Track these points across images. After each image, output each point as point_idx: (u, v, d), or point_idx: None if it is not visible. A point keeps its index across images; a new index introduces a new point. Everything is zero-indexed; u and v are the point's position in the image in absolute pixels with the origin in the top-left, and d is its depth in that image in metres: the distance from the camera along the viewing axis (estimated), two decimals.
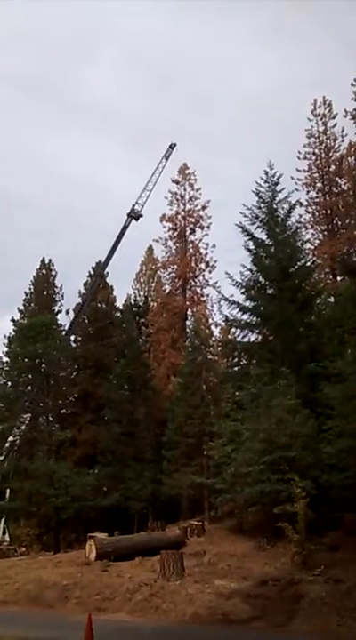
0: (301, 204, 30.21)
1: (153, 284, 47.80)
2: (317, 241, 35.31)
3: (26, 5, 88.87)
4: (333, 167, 35.95)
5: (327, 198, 35.61)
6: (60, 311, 42.87)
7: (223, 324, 30.85)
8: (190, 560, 16.31)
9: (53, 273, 45.10)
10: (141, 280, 49.38)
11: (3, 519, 30.92)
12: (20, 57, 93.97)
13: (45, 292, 44.05)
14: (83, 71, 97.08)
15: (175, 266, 40.28)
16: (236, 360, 26.91)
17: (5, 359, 35.38)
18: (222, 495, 21.50)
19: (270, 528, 17.63)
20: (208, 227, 40.16)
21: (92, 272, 41.93)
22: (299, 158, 36.17)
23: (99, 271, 40.90)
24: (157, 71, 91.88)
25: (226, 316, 26.18)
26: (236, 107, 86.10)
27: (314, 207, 35.92)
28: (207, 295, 39.27)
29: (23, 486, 29.25)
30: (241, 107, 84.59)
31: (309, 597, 12.06)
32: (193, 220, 40.62)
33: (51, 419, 35.42)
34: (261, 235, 24.99)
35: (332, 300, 26.15)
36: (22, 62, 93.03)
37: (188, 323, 39.30)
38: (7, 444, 31.98)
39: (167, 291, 41.33)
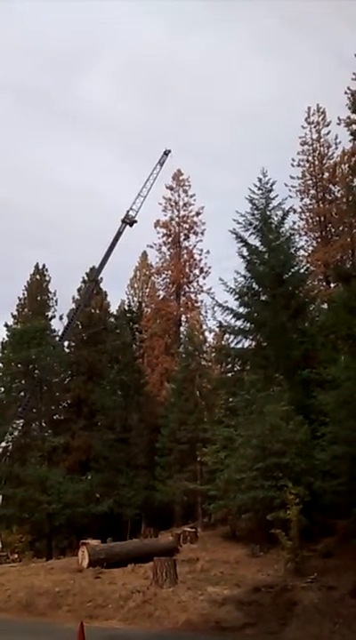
0: (294, 211, 30.45)
1: (147, 290, 47.67)
2: (310, 248, 35.31)
3: (24, 14, 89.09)
4: (326, 174, 35.99)
5: (321, 205, 35.68)
6: (53, 317, 42.65)
7: (217, 330, 30.89)
8: (182, 567, 16.24)
9: (47, 278, 44.89)
10: (135, 286, 49.32)
11: None
12: (18, 66, 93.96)
13: (39, 298, 43.86)
14: (80, 80, 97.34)
15: (169, 271, 40.24)
16: (229, 366, 26.90)
17: None
18: (216, 502, 21.47)
19: (263, 535, 17.62)
20: (202, 233, 40.16)
21: (86, 278, 41.82)
22: (293, 165, 36.25)
23: (93, 277, 40.84)
24: (155, 81, 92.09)
25: (220, 322, 26.27)
26: (232, 117, 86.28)
27: (308, 214, 35.96)
28: (201, 301, 39.20)
29: (15, 492, 29.05)
30: (237, 117, 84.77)
31: (302, 604, 12.05)
32: (187, 226, 40.60)
33: (43, 425, 35.24)
34: (254, 241, 25.04)
35: (325, 306, 26.17)
36: (20, 71, 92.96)
37: (182, 329, 39.24)
38: None
39: (161, 296, 41.24)
